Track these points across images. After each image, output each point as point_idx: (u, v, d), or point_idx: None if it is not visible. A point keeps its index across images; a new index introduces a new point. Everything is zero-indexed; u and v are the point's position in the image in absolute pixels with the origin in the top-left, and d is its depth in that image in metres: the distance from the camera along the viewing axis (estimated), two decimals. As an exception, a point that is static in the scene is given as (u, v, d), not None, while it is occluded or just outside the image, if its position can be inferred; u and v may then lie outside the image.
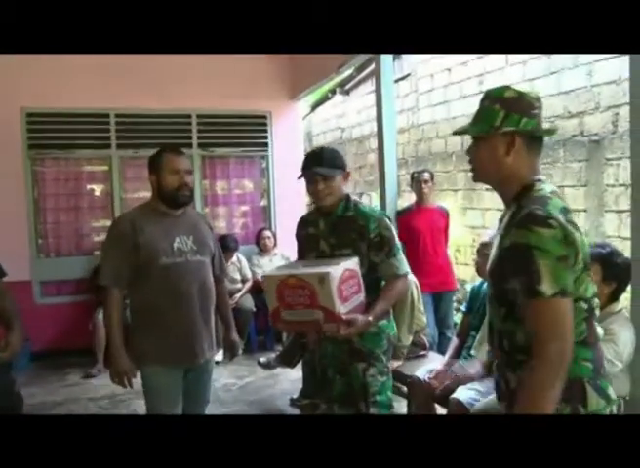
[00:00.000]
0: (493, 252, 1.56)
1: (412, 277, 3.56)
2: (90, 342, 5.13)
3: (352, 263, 2.27)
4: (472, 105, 5.75)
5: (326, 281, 2.09)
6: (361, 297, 2.29)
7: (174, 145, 2.67)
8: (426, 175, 4.56)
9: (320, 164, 2.35)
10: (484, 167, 1.56)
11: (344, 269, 2.18)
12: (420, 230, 4.45)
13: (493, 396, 2.64)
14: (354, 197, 2.50)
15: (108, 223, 5.76)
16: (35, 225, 5.61)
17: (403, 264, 2.38)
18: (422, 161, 6.96)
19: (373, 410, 2.37)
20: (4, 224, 5.27)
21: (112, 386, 4.50)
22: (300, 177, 2.41)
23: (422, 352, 3.65)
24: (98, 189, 5.98)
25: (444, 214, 4.67)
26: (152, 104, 5.71)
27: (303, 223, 2.57)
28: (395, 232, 2.40)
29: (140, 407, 4.11)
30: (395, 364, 3.47)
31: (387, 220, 2.39)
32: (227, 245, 5.51)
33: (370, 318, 2.24)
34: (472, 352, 2.95)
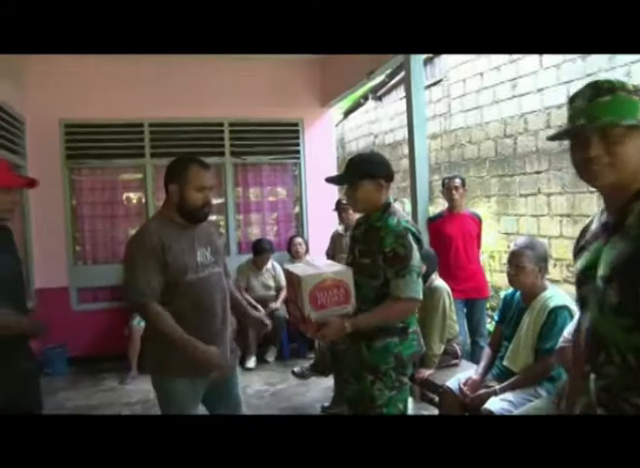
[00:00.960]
0: (613, 254, 1.36)
1: (444, 285, 3.61)
2: (125, 348, 5.20)
3: (341, 274, 2.28)
4: (506, 110, 5.65)
5: (301, 284, 2.21)
6: (347, 309, 2.28)
7: (195, 155, 2.55)
8: (457, 182, 4.51)
9: (345, 172, 2.39)
10: (628, 163, 1.35)
11: (324, 278, 2.23)
12: (452, 236, 4.39)
13: (526, 407, 2.62)
14: (395, 208, 2.42)
15: None
16: (73, 233, 5.75)
17: (410, 287, 2.24)
18: (455, 167, 6.88)
19: None
20: (43, 232, 5.41)
21: (146, 391, 4.66)
22: (326, 181, 2.46)
23: (454, 361, 3.60)
24: (132, 197, 6.07)
25: (476, 221, 4.60)
26: (185, 113, 5.77)
27: (354, 225, 2.59)
28: (414, 252, 2.26)
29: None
30: (426, 373, 3.45)
31: (409, 238, 2.26)
32: (263, 247, 5.57)
33: (346, 324, 2.24)
34: (505, 362, 2.90)
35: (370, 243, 2.34)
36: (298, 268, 2.41)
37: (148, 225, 2.40)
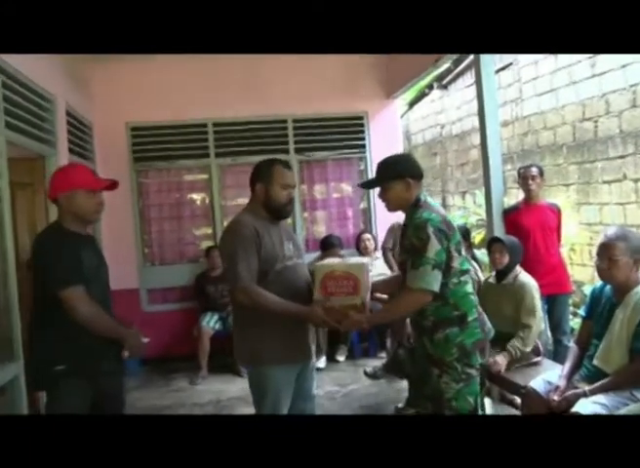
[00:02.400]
0: None
1: (531, 280, 3.55)
2: (194, 349, 5.28)
3: (352, 267, 2.50)
4: (584, 91, 5.36)
5: (314, 272, 2.51)
6: (355, 300, 2.44)
7: (265, 153, 2.72)
8: (534, 171, 4.36)
9: (375, 175, 2.55)
10: None
11: (334, 269, 2.49)
12: (530, 229, 4.26)
13: (622, 411, 2.45)
14: (425, 202, 2.48)
15: (210, 231, 6.00)
16: (141, 235, 5.89)
17: (421, 278, 2.29)
18: (529, 155, 6.62)
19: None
20: (114, 235, 5.54)
21: (216, 392, 4.72)
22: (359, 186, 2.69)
23: (536, 359, 3.47)
24: (198, 198, 6.17)
25: (555, 212, 4.44)
26: (248, 112, 5.82)
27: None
28: (432, 244, 2.29)
29: (243, 412, 4.17)
30: (503, 363, 3.29)
31: (429, 229, 2.30)
32: (331, 242, 5.53)
33: (363, 319, 2.43)
34: (595, 362, 2.72)
35: (405, 240, 2.46)
36: (328, 258, 2.69)
37: (242, 217, 2.58)
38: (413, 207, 2.46)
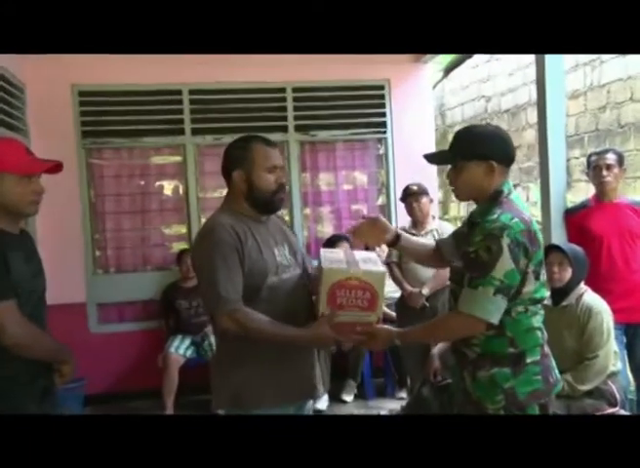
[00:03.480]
0: None
1: (600, 302, 3.55)
2: (158, 383, 5.18)
3: (372, 276, 2.41)
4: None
5: (322, 277, 2.42)
6: (371, 317, 2.43)
7: (258, 131, 2.84)
8: (610, 158, 4.24)
9: (449, 148, 2.45)
10: None
11: (350, 276, 2.39)
12: (603, 235, 4.21)
13: None
14: (507, 198, 2.40)
15: (183, 230, 6.08)
16: (91, 234, 5.79)
17: (479, 303, 2.24)
18: (607, 137, 6.47)
19: None
20: (53, 234, 5.35)
21: None
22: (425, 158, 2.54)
23: (610, 410, 3.43)
24: (169, 187, 6.12)
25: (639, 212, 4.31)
26: (236, 77, 5.76)
27: None
28: (503, 262, 2.22)
29: None
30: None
31: (504, 241, 2.22)
32: (339, 237, 5.47)
33: (395, 336, 2.46)
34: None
35: (466, 244, 2.41)
36: (330, 255, 2.66)
37: (218, 217, 2.52)
38: (490, 200, 2.37)
